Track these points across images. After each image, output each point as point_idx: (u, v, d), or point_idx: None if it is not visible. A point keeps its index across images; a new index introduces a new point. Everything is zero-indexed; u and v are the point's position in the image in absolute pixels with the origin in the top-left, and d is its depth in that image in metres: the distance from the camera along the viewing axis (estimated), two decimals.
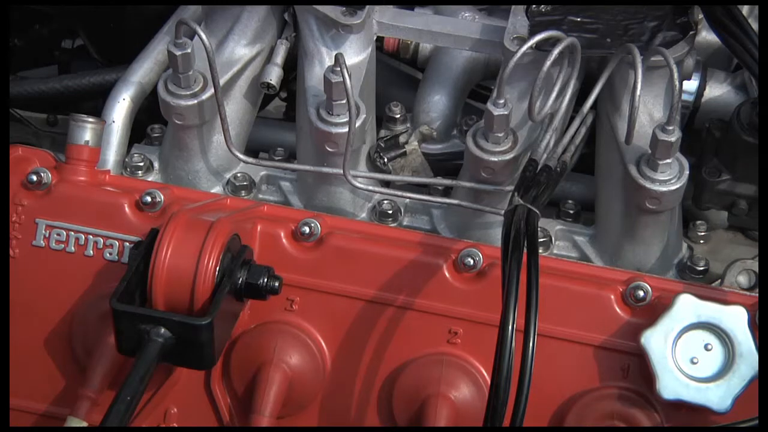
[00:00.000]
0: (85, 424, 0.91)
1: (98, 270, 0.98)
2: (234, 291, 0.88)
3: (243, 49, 1.07)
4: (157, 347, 0.82)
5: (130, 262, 0.91)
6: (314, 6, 1.01)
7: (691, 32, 0.97)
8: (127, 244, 0.98)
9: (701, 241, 1.06)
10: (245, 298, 0.91)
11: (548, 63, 0.89)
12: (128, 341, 0.84)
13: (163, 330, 0.83)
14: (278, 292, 0.91)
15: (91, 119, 1.01)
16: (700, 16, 0.97)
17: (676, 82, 0.88)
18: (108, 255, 0.98)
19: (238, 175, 1.09)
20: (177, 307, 0.85)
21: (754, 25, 0.96)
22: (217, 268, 0.86)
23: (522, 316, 0.77)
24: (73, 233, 0.99)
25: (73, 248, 0.99)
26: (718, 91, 1.10)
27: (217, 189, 1.09)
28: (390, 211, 1.07)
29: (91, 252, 0.99)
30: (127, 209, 0.99)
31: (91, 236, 0.98)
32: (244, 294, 0.89)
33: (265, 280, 0.89)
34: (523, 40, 0.95)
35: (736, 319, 0.87)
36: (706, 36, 1.09)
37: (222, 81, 1.01)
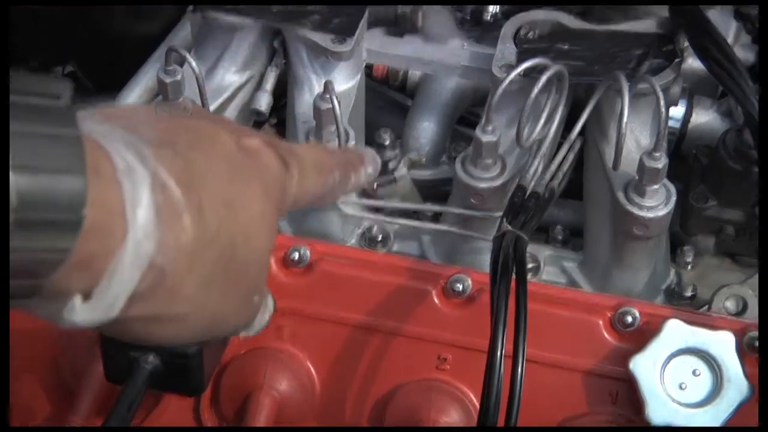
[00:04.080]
0: None
1: None
2: None
3: (233, 76, 1.07)
4: (145, 374, 0.82)
5: None
6: (303, 34, 1.01)
7: (676, 60, 0.98)
8: None
9: (689, 267, 1.07)
10: None
11: (536, 90, 0.90)
12: (116, 368, 0.84)
13: (152, 357, 0.82)
14: None
15: None
16: (686, 43, 0.98)
17: (663, 109, 0.89)
18: None
19: None
20: None
21: (740, 53, 0.97)
22: None
23: (511, 341, 0.77)
24: None
25: None
26: (704, 117, 1.11)
27: None
28: (379, 237, 1.07)
29: None
30: None
31: None
32: None
33: None
34: (511, 68, 0.96)
35: (723, 344, 0.88)
36: (692, 63, 1.09)
37: (212, 107, 1.02)
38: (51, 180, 0.46)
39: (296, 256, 0.97)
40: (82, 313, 0.50)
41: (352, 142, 1.00)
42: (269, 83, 1.08)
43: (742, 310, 0.97)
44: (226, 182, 0.57)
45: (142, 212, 0.50)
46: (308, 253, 0.98)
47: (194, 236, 0.54)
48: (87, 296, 0.50)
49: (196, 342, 0.63)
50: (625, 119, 0.88)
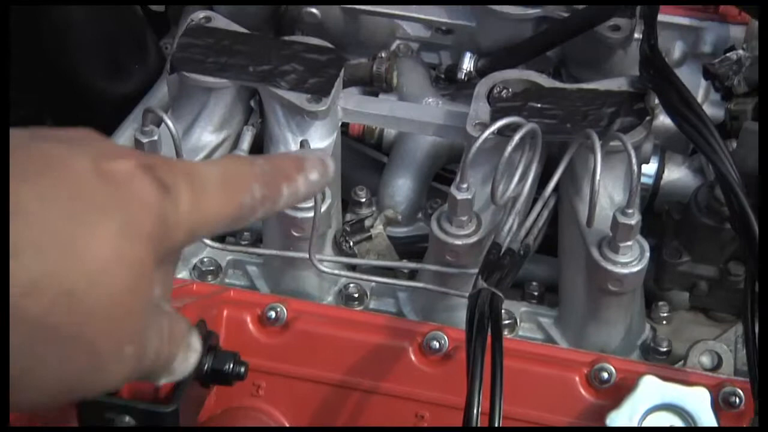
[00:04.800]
0: None
1: None
2: (199, 377, 0.88)
3: (210, 135, 1.08)
4: None
5: None
6: (280, 94, 1.02)
7: (647, 118, 0.99)
8: None
9: (664, 322, 1.07)
10: (211, 384, 0.90)
11: (510, 148, 0.91)
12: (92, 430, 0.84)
13: (128, 418, 0.82)
14: (244, 377, 0.90)
15: None
16: (656, 101, 0.99)
17: (635, 167, 0.90)
18: None
19: (205, 259, 1.10)
20: (142, 395, 0.84)
21: (709, 110, 0.99)
22: None
23: (487, 398, 0.77)
24: None
25: None
26: (676, 174, 1.13)
27: (183, 274, 1.09)
28: (356, 295, 1.07)
29: None
30: None
31: None
32: (210, 380, 0.89)
33: (231, 365, 0.89)
34: (485, 126, 0.97)
35: (699, 400, 0.88)
36: (664, 120, 1.11)
37: None
38: None
39: (273, 314, 0.97)
40: None
41: (328, 201, 1.00)
42: (246, 142, 1.08)
43: (717, 366, 0.98)
44: (62, 218, 0.48)
45: None
46: (285, 311, 0.98)
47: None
48: None
49: (60, 404, 0.54)
50: (597, 176, 0.89)
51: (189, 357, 0.59)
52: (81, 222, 0.49)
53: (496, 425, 0.76)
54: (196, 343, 0.59)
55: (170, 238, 0.54)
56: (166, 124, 0.95)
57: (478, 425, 0.76)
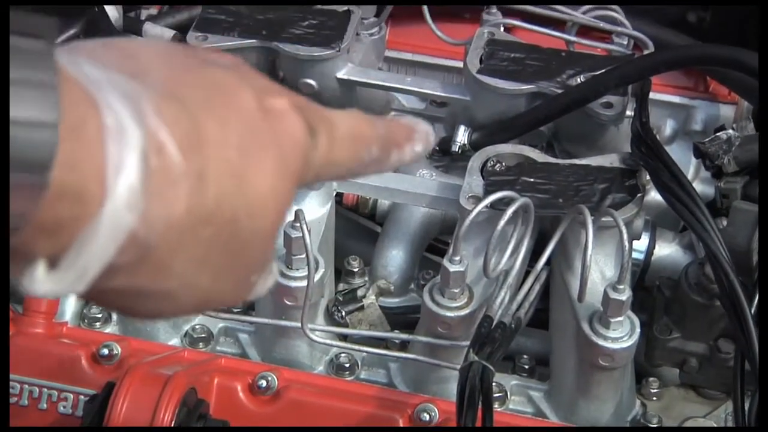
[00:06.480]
0: None
1: (52, 424, 0.97)
2: None
3: None
4: None
5: (85, 416, 0.90)
6: None
7: (639, 194, 1.00)
8: (82, 397, 0.97)
9: (654, 398, 1.07)
10: None
11: (502, 222, 0.92)
12: None
13: None
14: None
15: None
16: (647, 178, 1.01)
17: (626, 243, 0.91)
18: (62, 408, 0.97)
19: (196, 327, 1.10)
20: None
21: (699, 188, 1.00)
22: (173, 423, 0.86)
23: None
24: (27, 386, 0.98)
25: (26, 401, 0.97)
26: (667, 250, 1.13)
27: (174, 341, 1.09)
28: (347, 365, 1.07)
29: (45, 405, 0.97)
30: (83, 362, 0.98)
31: (45, 389, 0.97)
32: None
33: None
34: (478, 199, 0.98)
35: None
36: (655, 196, 1.12)
37: None
38: (17, 132, 0.41)
39: (264, 383, 0.97)
40: (44, 283, 0.45)
41: (321, 270, 1.01)
42: None
43: None
44: (237, 150, 0.51)
45: (125, 180, 0.45)
46: (276, 380, 0.98)
47: (189, 209, 0.48)
48: (54, 264, 0.46)
49: (185, 315, 0.58)
50: (589, 252, 0.90)
51: (268, 282, 0.61)
52: (250, 156, 0.51)
53: None
54: (275, 269, 0.61)
55: (305, 177, 0.57)
56: None
57: None
